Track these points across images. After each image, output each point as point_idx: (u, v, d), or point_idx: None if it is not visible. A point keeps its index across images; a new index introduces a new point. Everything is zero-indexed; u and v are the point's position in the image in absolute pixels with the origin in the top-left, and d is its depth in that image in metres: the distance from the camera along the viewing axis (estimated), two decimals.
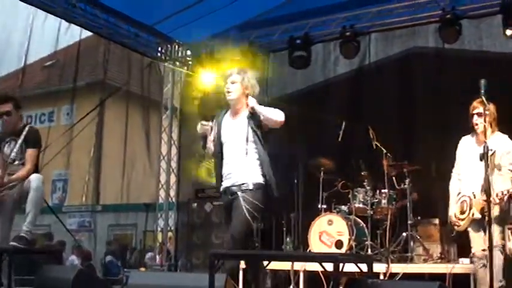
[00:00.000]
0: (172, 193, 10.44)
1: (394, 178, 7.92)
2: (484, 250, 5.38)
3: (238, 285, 7.45)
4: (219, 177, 5.43)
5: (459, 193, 5.79)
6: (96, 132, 17.98)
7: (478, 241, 5.57)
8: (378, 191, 7.98)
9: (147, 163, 13.92)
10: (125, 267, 13.70)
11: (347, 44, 8.94)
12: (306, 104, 9.59)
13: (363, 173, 8.11)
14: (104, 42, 13.95)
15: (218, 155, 5.44)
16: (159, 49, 10.32)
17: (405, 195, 7.76)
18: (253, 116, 5.35)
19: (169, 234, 10.47)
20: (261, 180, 5.23)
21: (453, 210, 5.76)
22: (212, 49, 9.98)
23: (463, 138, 5.91)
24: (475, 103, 5.58)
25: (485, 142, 5.07)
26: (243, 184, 5.20)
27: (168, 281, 4.99)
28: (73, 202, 20.44)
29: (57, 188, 21.49)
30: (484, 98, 4.84)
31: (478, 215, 5.50)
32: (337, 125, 8.19)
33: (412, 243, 7.52)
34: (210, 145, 5.47)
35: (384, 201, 7.88)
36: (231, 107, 5.49)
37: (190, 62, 10.42)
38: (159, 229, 10.54)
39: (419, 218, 7.75)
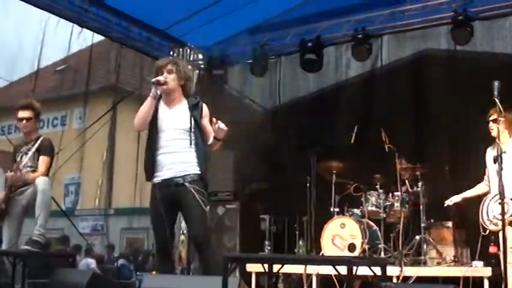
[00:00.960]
0: None
1: (407, 181, 7.90)
2: None
3: None
4: (150, 168, 5.33)
5: (498, 193, 5.64)
6: (109, 136, 18.05)
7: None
8: (390, 194, 7.95)
9: None
10: (137, 270, 13.75)
11: (359, 46, 8.93)
12: (318, 107, 9.59)
13: (375, 176, 8.09)
14: (116, 46, 13.98)
15: (151, 144, 5.35)
16: (171, 53, 10.34)
17: (418, 198, 7.73)
18: (195, 106, 5.36)
19: (182, 237, 10.47)
20: (199, 171, 5.21)
21: (491, 209, 6.01)
22: (224, 52, 10.01)
23: (488, 148, 6.29)
24: (491, 111, 5.82)
25: (499, 144, 5.20)
26: (188, 175, 5.16)
27: (181, 285, 4.99)
28: (86, 206, 20.53)
29: (70, 191, 21.61)
30: (497, 100, 4.81)
31: None
32: (350, 127, 8.18)
33: (425, 246, 7.49)
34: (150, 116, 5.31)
35: (396, 204, 7.85)
36: (164, 96, 5.41)
37: (202, 66, 10.44)
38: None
39: (432, 220, 7.71)
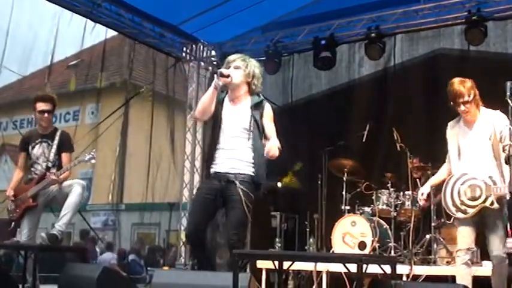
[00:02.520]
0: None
1: (418, 180, 7.89)
2: (469, 249, 5.32)
3: (261, 285, 7.52)
4: (210, 161, 5.28)
5: (465, 174, 5.38)
6: (121, 131, 18.09)
7: (466, 238, 5.32)
8: (401, 193, 7.96)
9: (172, 163, 13.95)
10: (146, 266, 13.81)
11: (372, 45, 8.94)
12: (330, 105, 9.61)
13: (386, 175, 8.10)
14: (129, 42, 14.04)
15: (213, 138, 5.30)
16: (184, 49, 10.39)
17: (429, 197, 7.72)
18: (257, 105, 5.28)
19: None
20: (252, 172, 5.16)
21: (456, 193, 5.35)
22: (237, 49, 10.03)
23: (449, 124, 5.71)
24: (456, 87, 5.36)
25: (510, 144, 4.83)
26: (240, 174, 5.10)
27: (192, 280, 5.00)
28: (98, 201, 20.59)
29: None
30: (510, 101, 4.80)
31: (496, 205, 5.15)
32: (362, 126, 8.18)
33: (435, 246, 7.49)
34: (212, 107, 5.25)
35: (407, 203, 7.86)
36: (230, 92, 5.35)
37: (214, 62, 10.47)
38: (182, 228, 10.58)
39: (442, 220, 7.70)
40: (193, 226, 5.32)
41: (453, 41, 8.88)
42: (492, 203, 5.16)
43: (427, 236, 7.63)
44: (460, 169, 5.47)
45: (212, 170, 5.26)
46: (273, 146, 5.02)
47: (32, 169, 6.69)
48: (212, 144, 5.32)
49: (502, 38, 8.45)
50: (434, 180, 5.93)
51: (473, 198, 5.24)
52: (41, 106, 6.65)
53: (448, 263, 7.38)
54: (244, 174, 5.13)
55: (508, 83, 4.83)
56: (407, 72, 9.23)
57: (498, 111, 5.34)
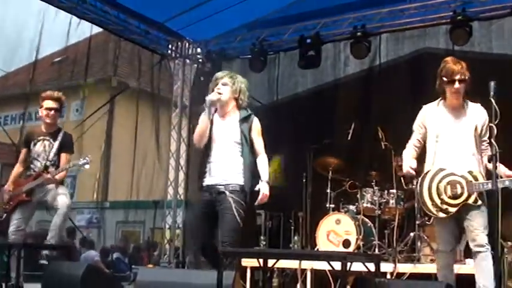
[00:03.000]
0: (180, 190, 10.47)
1: (402, 178, 7.92)
2: (451, 250, 5.17)
3: (246, 283, 7.52)
4: (202, 174, 5.49)
5: (442, 169, 5.12)
6: (106, 128, 18.05)
7: (445, 236, 5.14)
8: (386, 191, 7.99)
9: (157, 160, 13.95)
10: (131, 264, 13.77)
11: (357, 44, 8.97)
12: (315, 103, 9.62)
13: (371, 173, 8.13)
14: (114, 38, 14.01)
15: (205, 152, 5.51)
16: (170, 46, 10.36)
17: (413, 196, 7.76)
18: (245, 119, 5.51)
19: (177, 231, 10.50)
20: (243, 182, 5.34)
21: (435, 191, 5.07)
22: (222, 47, 10.02)
23: (425, 107, 5.46)
24: (453, 65, 5.16)
25: (494, 145, 4.70)
26: (229, 184, 5.29)
27: (177, 278, 5.01)
28: (82, 199, 20.50)
29: (66, 184, 21.53)
30: (493, 100, 4.79)
31: (479, 202, 4.94)
32: (347, 124, 8.20)
33: (419, 244, 7.52)
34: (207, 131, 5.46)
35: (392, 201, 7.90)
36: (219, 109, 5.58)
37: (200, 60, 10.46)
38: (167, 226, 10.57)
39: (426, 218, 7.75)
40: (201, 241, 5.48)
41: (438, 40, 8.91)
42: (476, 201, 4.94)
43: (411, 234, 7.66)
44: (436, 161, 5.18)
45: (204, 183, 5.46)
46: (264, 197, 5.38)
47: (32, 165, 6.74)
48: (203, 158, 5.54)
49: (487, 38, 8.49)
50: (408, 157, 5.49)
51: (455, 197, 4.99)
52: (48, 103, 6.72)
53: (432, 260, 7.39)
54: (234, 184, 5.31)
55: (492, 83, 4.84)
56: (392, 72, 9.25)
57: (479, 104, 5.22)
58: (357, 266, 4.67)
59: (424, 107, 5.45)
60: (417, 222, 7.60)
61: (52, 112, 6.70)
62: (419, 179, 5.26)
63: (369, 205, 8.00)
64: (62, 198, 6.57)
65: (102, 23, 9.49)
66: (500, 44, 8.41)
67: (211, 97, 5.41)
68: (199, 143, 5.53)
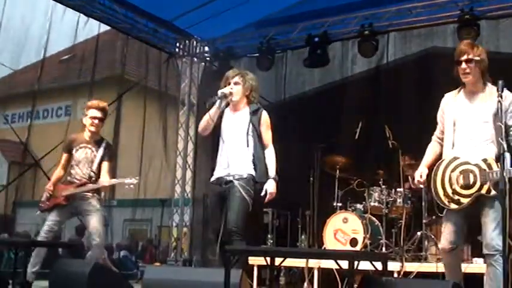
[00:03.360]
0: (188, 189, 10.50)
1: (410, 177, 7.91)
2: (452, 250, 4.89)
3: (253, 281, 7.52)
4: (214, 169, 5.67)
5: (456, 158, 4.86)
6: (114, 127, 18.05)
7: (448, 235, 4.87)
8: (393, 190, 7.99)
9: (164, 159, 13.94)
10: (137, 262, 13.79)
11: (365, 42, 8.97)
12: (323, 102, 9.62)
13: (378, 172, 8.12)
14: (122, 37, 14.00)
15: (216, 145, 5.72)
16: (177, 45, 10.38)
17: (420, 195, 7.76)
18: (254, 112, 5.67)
19: (184, 229, 10.52)
20: (252, 171, 5.49)
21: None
22: (230, 45, 10.03)
23: (447, 95, 5.24)
24: (462, 46, 5.01)
25: (502, 143, 4.44)
26: (238, 174, 5.46)
27: (184, 276, 5.02)
28: None
29: None
30: (502, 99, 4.70)
31: (493, 192, 4.60)
32: (354, 123, 8.20)
33: (426, 243, 7.52)
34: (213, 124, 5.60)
35: (399, 200, 7.90)
36: (231, 105, 5.74)
37: (208, 58, 10.47)
38: (174, 224, 10.58)
39: (434, 217, 7.73)
40: (215, 236, 5.55)
41: (446, 39, 8.89)
42: (489, 191, 4.63)
43: (418, 233, 7.65)
44: (452, 150, 4.94)
45: (214, 178, 5.65)
46: (271, 196, 5.58)
47: (72, 171, 6.82)
48: (215, 151, 5.74)
49: (494, 36, 8.46)
50: (427, 160, 5.23)
51: (467, 186, 4.71)
52: (93, 112, 6.82)
53: (439, 259, 7.40)
54: (242, 173, 5.47)
55: (500, 82, 4.81)
56: (400, 70, 9.24)
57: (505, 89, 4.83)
58: (364, 265, 4.67)
59: (446, 95, 5.27)
60: (424, 221, 7.60)
61: (96, 121, 6.81)
62: (434, 167, 5.03)
63: (376, 204, 8.00)
64: (96, 225, 6.69)
65: (110, 21, 9.51)
66: (508, 43, 8.39)
67: (224, 90, 5.58)
68: (203, 133, 5.71)
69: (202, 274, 5.07)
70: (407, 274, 6.80)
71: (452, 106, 5.09)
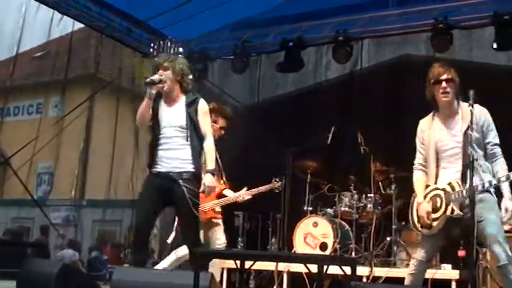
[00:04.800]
0: None
1: (380, 183, 7.98)
2: (428, 261, 4.96)
3: (222, 284, 7.51)
4: (152, 163, 5.46)
5: (427, 185, 4.95)
6: (86, 126, 17.94)
7: (426, 248, 4.93)
8: (364, 195, 8.04)
9: (136, 159, 13.89)
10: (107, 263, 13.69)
11: (339, 48, 9.00)
12: (296, 106, 9.65)
13: (349, 177, 8.17)
14: (96, 35, 13.92)
15: (154, 139, 5.50)
16: (151, 45, 10.30)
17: (391, 201, 7.82)
18: (191, 103, 5.49)
19: (154, 231, 10.44)
20: (193, 169, 5.35)
21: (422, 209, 4.84)
22: (205, 47, 10.00)
23: (422, 121, 5.17)
24: (439, 69, 4.96)
25: (471, 151, 4.47)
26: (182, 172, 5.30)
27: (153, 278, 4.98)
28: (59, 196, 20.35)
29: (43, 180, 21.34)
30: (472, 109, 4.71)
31: (458, 212, 4.64)
32: (327, 128, 8.23)
33: (395, 248, 7.59)
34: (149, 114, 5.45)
35: (369, 205, 7.95)
36: (164, 95, 5.53)
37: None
38: (152, 235, 10.49)
39: (403, 223, 7.80)
40: (137, 226, 5.48)
41: (419, 47, 8.99)
42: (452, 211, 4.67)
43: (388, 239, 7.72)
44: (436, 178, 4.94)
45: (155, 171, 5.44)
46: (209, 189, 5.40)
47: None
48: (152, 147, 5.52)
49: (467, 46, 8.57)
50: (422, 186, 5.07)
51: (434, 210, 4.79)
52: (222, 123, 6.62)
53: (408, 265, 7.45)
54: (185, 172, 5.32)
55: (471, 91, 4.85)
56: (373, 77, 9.32)
57: (477, 104, 4.82)
58: (334, 269, 4.69)
59: (420, 122, 5.21)
60: (394, 226, 7.67)
61: (222, 131, 6.63)
62: (413, 195, 5.11)
63: (346, 209, 8.05)
64: (221, 239, 6.39)
65: (84, 19, 9.42)
66: (480, 53, 8.50)
67: (152, 77, 5.38)
68: (142, 124, 5.55)
69: (172, 276, 5.04)
70: (376, 279, 6.85)
71: (429, 134, 5.05)
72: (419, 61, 8.98)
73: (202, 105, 5.54)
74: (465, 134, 4.71)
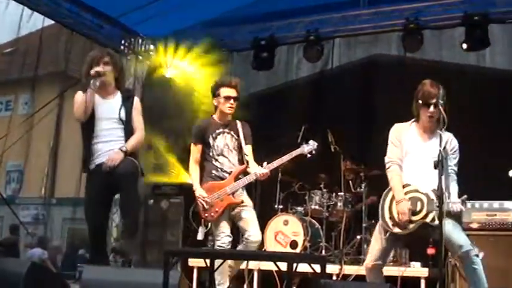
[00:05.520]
0: None
1: (350, 181, 8.03)
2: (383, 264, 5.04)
3: (192, 283, 7.50)
4: (89, 156, 5.50)
5: (407, 185, 4.96)
6: (56, 123, 17.79)
7: (383, 251, 4.99)
8: (334, 194, 8.08)
9: None
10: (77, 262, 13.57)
11: (311, 47, 9.02)
12: (267, 104, 9.64)
13: (320, 176, 8.19)
14: (67, 32, 13.79)
15: (89, 134, 5.51)
16: (122, 42, 10.23)
17: (361, 199, 7.87)
18: (127, 98, 5.60)
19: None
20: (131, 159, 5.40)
21: (403, 206, 4.79)
22: (176, 44, 9.95)
23: (398, 126, 5.23)
24: (432, 89, 4.94)
25: (440, 150, 4.56)
26: (121, 166, 5.31)
27: (122, 277, 4.96)
28: (28, 194, 20.16)
29: (12, 178, 21.14)
30: (441, 108, 4.77)
31: (436, 222, 4.64)
32: (297, 126, 8.24)
33: (365, 246, 7.63)
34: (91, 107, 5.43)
35: (339, 204, 8.00)
36: (101, 89, 5.53)
37: (153, 57, 10.36)
38: (113, 225, 10.42)
39: (373, 221, 7.84)
40: (92, 231, 5.51)
41: (390, 47, 9.05)
42: (433, 220, 4.71)
43: (358, 237, 7.77)
44: (404, 177, 5.01)
45: (93, 165, 5.49)
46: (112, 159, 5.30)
47: (216, 164, 5.98)
48: (87, 141, 5.55)
49: (438, 46, 8.65)
50: (400, 184, 5.05)
51: (413, 213, 4.79)
52: (226, 92, 6.04)
53: None
54: (125, 165, 5.33)
55: (441, 91, 4.90)
56: (344, 76, 9.36)
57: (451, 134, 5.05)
58: (304, 267, 4.70)
59: (396, 125, 5.26)
60: (364, 224, 7.72)
61: (231, 101, 6.05)
62: (384, 193, 5.12)
63: (317, 207, 8.08)
64: (255, 228, 5.96)
65: (54, 16, 9.31)
66: (450, 53, 8.58)
67: (97, 69, 5.44)
68: (83, 118, 5.48)
69: (141, 275, 5.03)
70: (346, 277, 6.88)
71: (405, 137, 5.12)
72: (390, 61, 9.05)
73: (137, 103, 5.67)
74: (443, 150, 4.71)
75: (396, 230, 4.88)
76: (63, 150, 18.97)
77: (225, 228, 5.90)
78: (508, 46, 8.33)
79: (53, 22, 10.74)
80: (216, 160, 5.99)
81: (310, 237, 7.76)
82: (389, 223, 4.93)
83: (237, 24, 9.53)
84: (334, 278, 6.83)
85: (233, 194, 5.93)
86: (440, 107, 4.76)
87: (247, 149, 6.16)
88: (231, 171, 5.97)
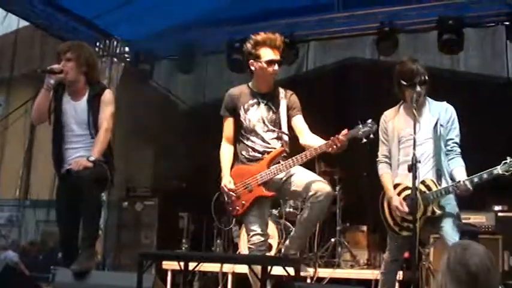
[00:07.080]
0: None
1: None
2: (398, 260, 5.02)
3: (166, 286, 7.48)
4: (58, 161, 5.22)
5: (398, 185, 4.85)
6: (31, 125, 17.60)
7: (397, 248, 4.94)
8: None
9: None
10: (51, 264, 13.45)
11: (285, 50, 9.03)
12: None
13: None
14: (41, 33, 13.69)
15: (57, 137, 5.22)
16: (97, 44, 10.18)
17: (335, 202, 7.89)
18: (95, 96, 5.16)
19: (99, 232, 10.29)
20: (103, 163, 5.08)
21: (394, 203, 4.71)
22: (151, 46, 9.93)
23: (386, 112, 5.09)
24: (414, 66, 4.75)
25: (414, 154, 4.34)
26: (88, 172, 4.92)
27: (96, 280, 4.94)
28: (3, 196, 19.94)
29: None
30: (415, 111, 4.73)
31: (439, 211, 4.59)
32: None
33: (339, 249, 7.68)
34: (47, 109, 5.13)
35: None
36: (68, 88, 5.20)
37: (128, 59, 10.33)
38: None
39: (348, 224, 7.89)
40: (63, 238, 5.33)
41: (364, 50, 9.09)
42: (433, 212, 4.62)
43: (332, 240, 7.80)
44: (399, 172, 4.86)
45: (63, 171, 5.21)
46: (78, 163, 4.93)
47: (248, 143, 4.98)
48: (56, 145, 5.23)
49: (412, 50, 8.70)
50: (390, 179, 4.93)
51: (412, 213, 4.48)
52: (269, 54, 4.95)
53: (352, 266, 7.58)
54: (91, 170, 4.94)
55: (415, 94, 4.91)
56: (318, 79, 9.38)
57: (444, 102, 4.88)
58: (278, 270, 4.71)
59: (385, 113, 5.13)
60: (338, 228, 7.75)
61: (275, 66, 5.00)
62: (381, 195, 5.04)
63: (291, 210, 8.09)
64: (317, 180, 4.96)
65: (29, 17, 9.24)
66: (425, 57, 8.64)
67: (53, 66, 5.07)
68: (39, 122, 5.30)
69: (115, 278, 5.02)
70: (320, 280, 6.90)
71: (394, 124, 4.99)
72: (364, 64, 9.10)
73: (106, 95, 5.21)
74: (434, 128, 4.72)
75: (405, 233, 4.78)
76: (38, 152, 18.77)
77: (254, 225, 4.94)
78: (482, 50, 8.42)
79: (27, 23, 10.68)
80: (248, 139, 4.98)
81: (285, 240, 7.77)
82: (396, 228, 4.87)
83: (211, 26, 9.52)
84: (309, 281, 6.84)
85: (265, 184, 4.86)
86: (414, 110, 4.66)
87: (298, 120, 5.24)
88: (265, 154, 4.94)
